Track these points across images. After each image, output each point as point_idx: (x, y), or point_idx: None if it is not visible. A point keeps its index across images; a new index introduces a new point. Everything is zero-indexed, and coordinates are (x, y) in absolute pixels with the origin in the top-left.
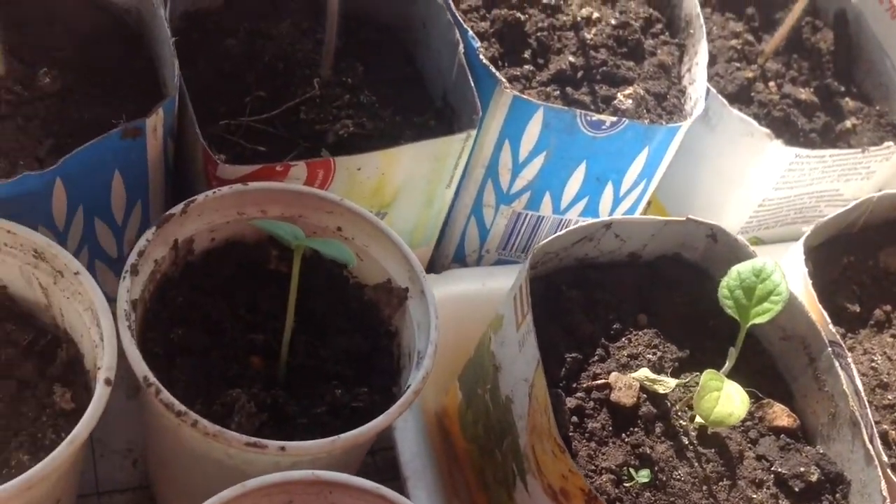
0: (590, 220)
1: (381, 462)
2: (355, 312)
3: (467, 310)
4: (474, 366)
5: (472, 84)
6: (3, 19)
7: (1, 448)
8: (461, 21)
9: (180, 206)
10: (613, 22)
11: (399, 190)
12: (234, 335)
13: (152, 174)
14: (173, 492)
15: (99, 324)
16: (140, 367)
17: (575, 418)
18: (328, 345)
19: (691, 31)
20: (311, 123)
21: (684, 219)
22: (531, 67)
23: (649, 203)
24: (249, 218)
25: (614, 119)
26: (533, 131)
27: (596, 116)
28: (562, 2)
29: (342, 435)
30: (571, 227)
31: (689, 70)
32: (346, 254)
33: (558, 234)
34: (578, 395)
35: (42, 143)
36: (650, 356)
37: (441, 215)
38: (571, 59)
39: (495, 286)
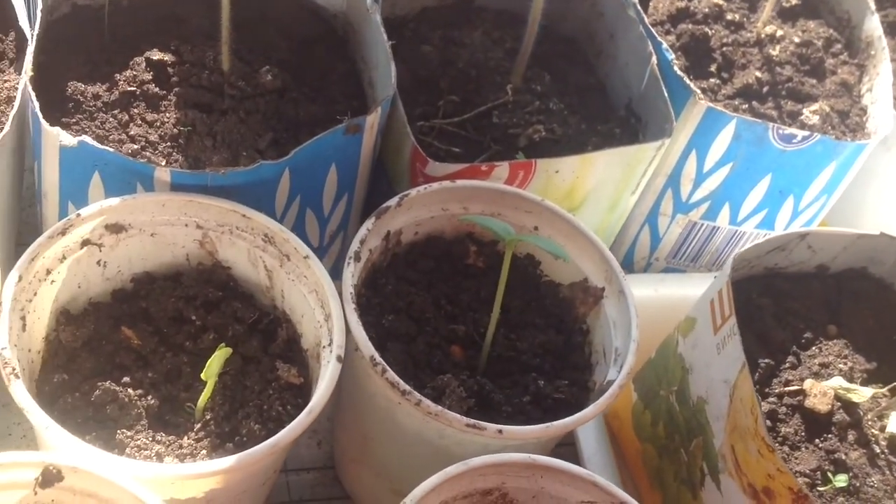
0: (785, 231)
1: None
2: (549, 309)
3: (640, 314)
4: (655, 368)
5: (666, 94)
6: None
7: (229, 417)
8: (654, 33)
9: (395, 199)
10: (797, 40)
11: (588, 194)
12: (437, 325)
13: (362, 169)
14: (371, 471)
15: (324, 305)
16: (368, 347)
17: (768, 422)
18: (524, 339)
19: (872, 52)
20: (504, 127)
21: (877, 233)
22: (717, 81)
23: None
24: (452, 214)
25: (806, 133)
26: (722, 142)
27: (788, 129)
28: (745, 19)
29: (555, 422)
30: (769, 237)
31: (869, 90)
32: (560, 250)
33: (757, 242)
34: (771, 399)
35: (261, 136)
36: (841, 366)
37: (621, 221)
38: (758, 73)
39: (667, 293)
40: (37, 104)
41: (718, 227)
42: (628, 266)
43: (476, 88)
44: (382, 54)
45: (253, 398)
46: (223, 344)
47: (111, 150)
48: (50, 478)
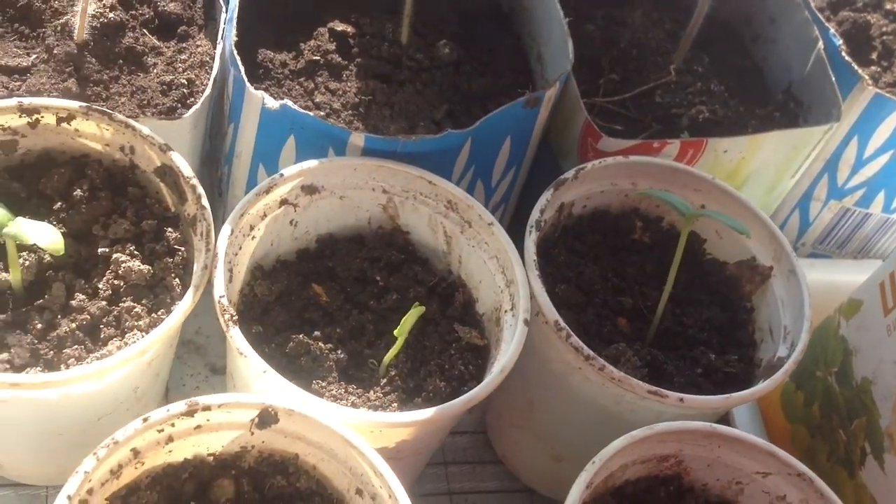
0: None
1: None
2: (714, 286)
3: None
4: (811, 349)
5: (833, 79)
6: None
7: (412, 374)
8: (820, 18)
9: (572, 172)
10: None
11: (751, 174)
12: (605, 296)
13: (533, 142)
14: (531, 435)
15: (506, 271)
16: (552, 312)
17: None
18: (690, 314)
19: None
20: (667, 107)
21: None
22: (877, 68)
23: None
24: (621, 189)
25: None
26: (887, 129)
27: None
28: None
29: (734, 394)
30: None
31: None
32: (743, 226)
33: None
34: None
35: (437, 107)
36: None
37: (776, 204)
38: None
39: (814, 277)
40: (242, 68)
41: (871, 215)
42: None
43: (637, 68)
44: (558, 30)
45: (434, 357)
46: (417, 303)
47: (311, 114)
48: (267, 419)
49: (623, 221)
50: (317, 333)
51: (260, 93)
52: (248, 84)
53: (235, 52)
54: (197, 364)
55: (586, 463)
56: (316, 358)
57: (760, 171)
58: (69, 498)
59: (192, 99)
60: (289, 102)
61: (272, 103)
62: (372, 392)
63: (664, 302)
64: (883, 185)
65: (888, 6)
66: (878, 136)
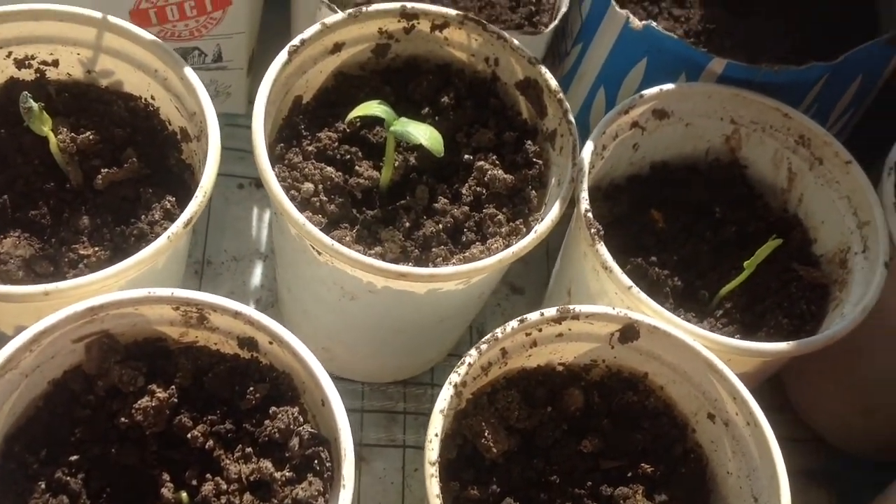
0: None
1: None
2: None
3: None
4: None
5: None
6: None
7: (748, 309)
8: None
9: None
10: None
11: None
12: None
13: (879, 84)
14: (833, 389)
15: (857, 212)
16: None
17: None
18: None
19: None
20: None
21: None
22: None
23: None
24: None
25: None
26: None
27: None
28: None
29: None
30: None
31: None
32: None
33: None
34: None
35: (784, 39)
36: None
37: None
38: None
39: None
40: None
41: None
42: None
43: None
44: None
45: (772, 294)
46: (772, 236)
47: (675, 36)
48: (629, 334)
49: None
50: (653, 259)
51: (625, 12)
52: (613, 2)
53: None
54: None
55: None
56: (653, 283)
57: None
58: (454, 385)
59: (538, 17)
60: (653, 23)
61: (636, 23)
62: (706, 322)
63: None
64: None
65: None
66: None
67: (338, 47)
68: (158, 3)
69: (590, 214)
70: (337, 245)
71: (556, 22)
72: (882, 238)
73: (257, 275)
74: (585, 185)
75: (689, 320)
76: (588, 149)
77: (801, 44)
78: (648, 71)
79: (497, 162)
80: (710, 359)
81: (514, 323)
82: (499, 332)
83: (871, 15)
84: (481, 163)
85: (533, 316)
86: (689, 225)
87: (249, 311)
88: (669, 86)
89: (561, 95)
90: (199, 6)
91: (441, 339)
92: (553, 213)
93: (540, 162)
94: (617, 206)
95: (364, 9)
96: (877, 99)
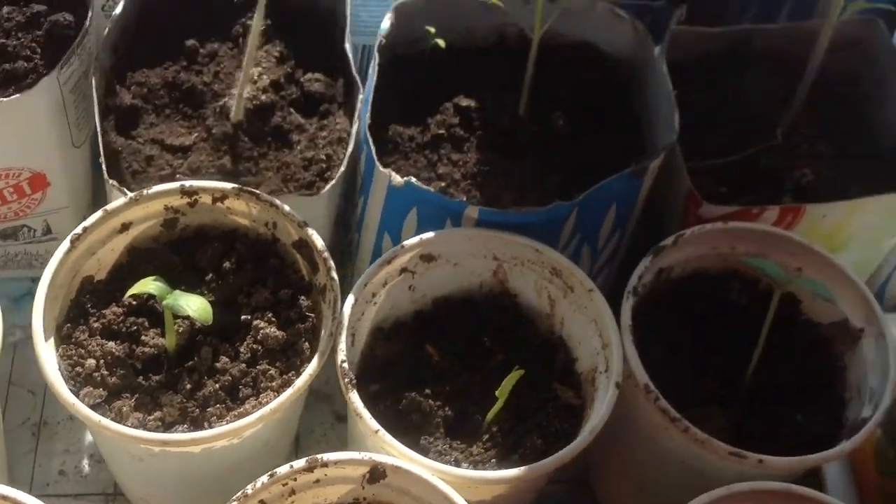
0: None
1: None
2: (807, 346)
3: None
4: None
5: None
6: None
7: (513, 430)
8: None
9: (671, 238)
10: None
11: (850, 237)
12: (699, 358)
13: (638, 208)
14: (624, 488)
15: (602, 335)
16: (643, 376)
17: None
18: (781, 373)
19: None
20: (772, 171)
21: None
22: None
23: None
24: (720, 253)
25: None
26: None
27: None
28: None
29: (811, 456)
30: None
31: None
32: (829, 292)
33: None
34: None
35: (549, 177)
36: None
37: (875, 262)
38: None
39: None
40: (373, 149)
41: None
42: (880, 303)
43: (746, 131)
44: (666, 102)
45: (532, 415)
46: (517, 366)
47: (432, 189)
48: (376, 475)
49: (721, 284)
50: (428, 391)
51: (387, 171)
52: (377, 163)
53: (368, 133)
54: (325, 412)
55: None
56: (426, 415)
57: (861, 232)
58: None
59: (329, 173)
60: (412, 179)
61: (398, 181)
62: (475, 447)
63: (754, 363)
64: None
65: None
66: None
67: (126, 226)
68: None
69: (345, 365)
70: (102, 420)
71: (332, 182)
72: (616, 358)
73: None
74: (343, 337)
75: (457, 449)
76: (349, 302)
77: (571, 178)
78: (420, 218)
79: (273, 319)
80: (447, 492)
81: (264, 478)
82: (249, 487)
83: (640, 144)
84: (257, 321)
85: (283, 469)
86: (462, 355)
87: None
88: (430, 234)
89: (326, 254)
90: (17, 191)
91: (249, 481)
92: (312, 366)
93: (312, 315)
94: (394, 345)
95: (145, 191)
96: (639, 223)
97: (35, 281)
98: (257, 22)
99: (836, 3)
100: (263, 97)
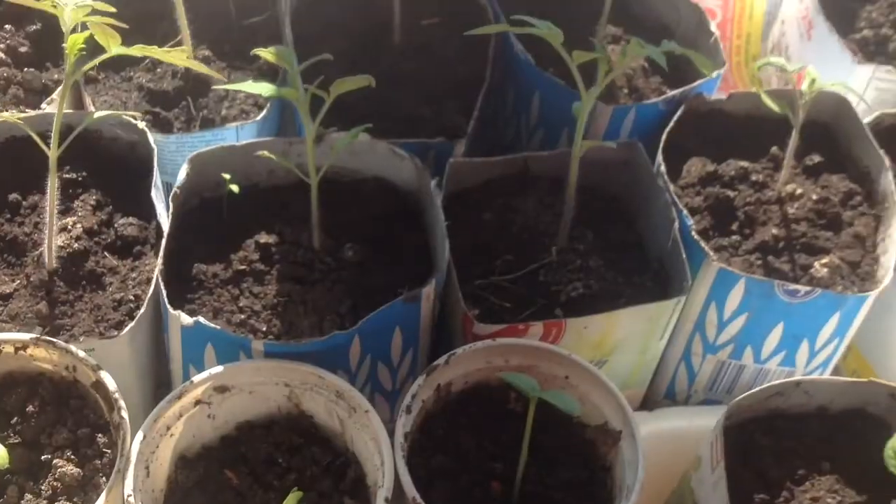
0: (782, 380)
1: None
2: (577, 448)
3: (676, 444)
4: (676, 497)
5: (684, 256)
6: (320, 203)
7: None
8: (677, 200)
9: (444, 357)
10: (815, 197)
11: (618, 343)
12: (479, 463)
13: (423, 328)
14: None
15: (380, 451)
16: (410, 489)
17: None
18: (553, 475)
19: (887, 204)
20: (548, 285)
21: (867, 381)
22: (738, 237)
23: (848, 350)
24: (496, 366)
25: (808, 288)
26: (736, 296)
27: (792, 286)
28: (768, 179)
29: None
30: (764, 385)
31: (883, 240)
32: (572, 405)
33: (752, 391)
34: None
35: (343, 303)
36: (830, 500)
37: (654, 362)
38: (774, 231)
39: (702, 423)
40: (164, 291)
41: (745, 366)
42: (671, 398)
43: (528, 249)
44: (440, 232)
45: None
46: (296, 487)
47: (218, 327)
48: None
49: (498, 393)
50: None
51: (177, 312)
52: (167, 304)
53: (160, 275)
54: None
55: None
56: None
57: (627, 339)
58: None
59: (137, 311)
60: (201, 319)
61: (187, 320)
62: None
63: (522, 466)
64: (748, 342)
65: (754, 177)
66: (731, 302)
67: None
68: None
69: (131, 498)
70: None
71: (132, 323)
72: (387, 474)
73: None
74: (131, 471)
75: None
76: (137, 438)
77: (364, 304)
78: (217, 350)
79: (72, 457)
80: None
81: None
82: None
83: (430, 269)
84: (57, 460)
85: None
86: (259, 476)
87: None
88: (218, 368)
89: (117, 394)
90: None
91: None
92: (100, 501)
93: (109, 451)
94: (194, 472)
95: None
96: (435, 340)
97: None
98: (52, 182)
99: (579, 132)
100: (76, 245)
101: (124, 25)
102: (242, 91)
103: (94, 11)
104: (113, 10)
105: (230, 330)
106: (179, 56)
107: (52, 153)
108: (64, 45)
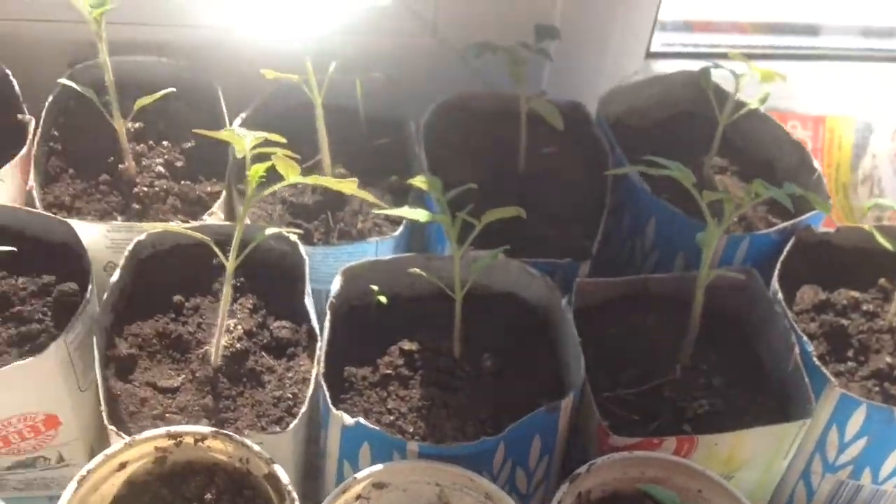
0: None
1: None
2: None
3: None
4: None
5: (807, 380)
6: (461, 321)
7: None
8: (796, 326)
9: (585, 467)
10: None
11: (745, 460)
12: None
13: (560, 437)
14: None
15: None
16: None
17: None
18: None
19: None
20: (673, 400)
21: None
22: (854, 364)
23: None
24: (632, 477)
25: None
26: (857, 420)
27: None
28: (879, 308)
29: None
30: None
31: None
32: None
33: None
34: None
35: (483, 409)
36: None
37: (776, 478)
38: (888, 359)
39: None
40: (328, 393)
41: (863, 486)
42: None
43: (651, 365)
44: (573, 347)
45: None
46: None
47: (378, 429)
48: None
49: (635, 502)
50: None
51: (340, 412)
52: (331, 406)
53: (323, 380)
54: None
55: None
56: None
57: (754, 457)
58: None
59: (297, 409)
60: (362, 420)
61: (349, 421)
62: None
63: None
64: (867, 464)
65: (865, 307)
66: (853, 425)
67: (123, 465)
68: (1, 434)
69: None
70: None
71: (296, 420)
72: None
73: None
74: None
75: None
76: None
77: (502, 411)
78: (373, 449)
79: None
80: None
81: None
82: None
83: (561, 381)
84: None
85: None
86: None
87: None
88: (378, 466)
89: (290, 487)
90: (34, 430)
91: None
92: None
93: None
94: None
95: (136, 437)
96: (570, 442)
97: (52, 500)
98: (227, 290)
99: (706, 264)
100: (238, 345)
101: (291, 154)
102: (395, 215)
103: (267, 142)
104: (284, 140)
105: (387, 431)
106: (350, 186)
107: (230, 263)
108: (247, 172)
